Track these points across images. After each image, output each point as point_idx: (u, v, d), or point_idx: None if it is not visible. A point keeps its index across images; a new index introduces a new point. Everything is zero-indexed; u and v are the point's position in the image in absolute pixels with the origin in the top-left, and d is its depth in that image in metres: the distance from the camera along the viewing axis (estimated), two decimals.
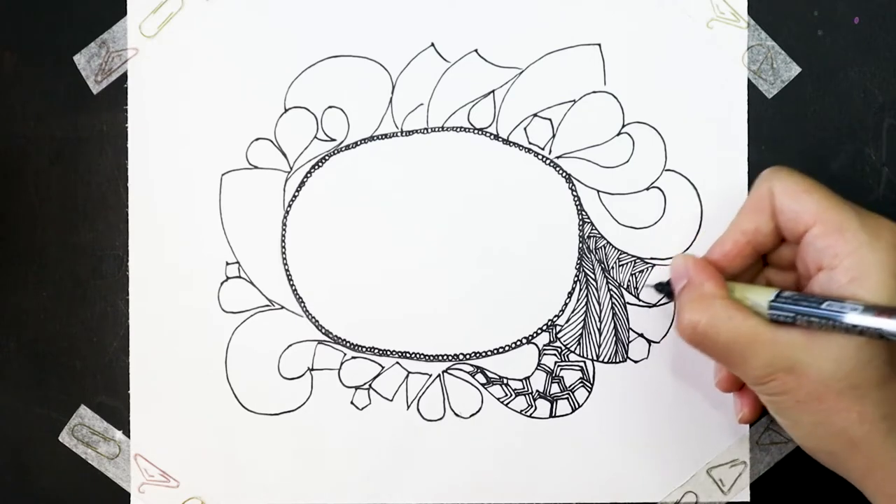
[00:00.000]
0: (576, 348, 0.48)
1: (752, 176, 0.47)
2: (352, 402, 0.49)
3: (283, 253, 0.49)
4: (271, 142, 0.49)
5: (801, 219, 0.42)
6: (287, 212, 0.49)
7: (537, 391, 0.48)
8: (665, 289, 0.46)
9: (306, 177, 0.49)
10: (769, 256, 0.45)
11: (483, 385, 0.48)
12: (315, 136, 0.49)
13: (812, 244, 0.41)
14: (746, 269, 0.45)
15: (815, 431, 0.41)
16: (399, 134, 0.49)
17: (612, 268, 0.48)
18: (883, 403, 0.40)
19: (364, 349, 0.49)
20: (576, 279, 0.48)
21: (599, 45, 0.48)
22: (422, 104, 0.48)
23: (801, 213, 0.42)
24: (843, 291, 0.40)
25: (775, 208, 0.43)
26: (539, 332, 0.48)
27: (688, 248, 0.48)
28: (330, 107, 0.49)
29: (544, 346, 0.48)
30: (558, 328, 0.48)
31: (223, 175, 0.49)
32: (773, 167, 0.44)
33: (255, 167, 0.49)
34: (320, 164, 0.49)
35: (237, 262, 0.49)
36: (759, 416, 0.46)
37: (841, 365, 0.40)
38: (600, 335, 0.48)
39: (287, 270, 0.49)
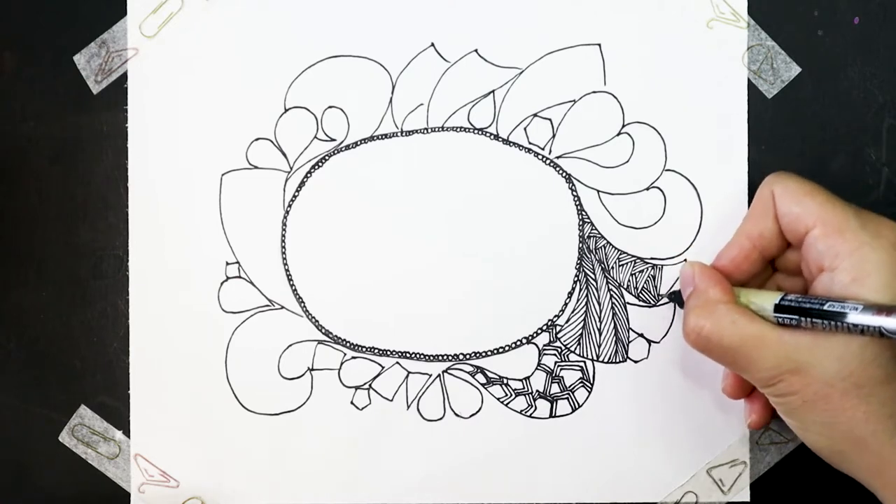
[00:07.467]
0: (576, 348, 0.48)
1: (753, 176, 0.47)
2: (352, 402, 0.48)
3: (283, 253, 0.49)
4: (271, 142, 0.49)
5: (801, 221, 0.42)
6: (287, 212, 0.49)
7: (537, 391, 0.48)
8: (678, 297, 0.47)
9: (306, 177, 0.49)
10: (777, 262, 0.45)
11: (483, 385, 0.48)
12: (315, 136, 0.49)
13: (813, 246, 0.42)
14: (755, 274, 0.45)
15: (824, 432, 0.41)
16: (399, 134, 0.48)
17: (612, 268, 0.48)
18: (889, 402, 0.40)
19: (364, 349, 0.49)
20: (576, 279, 0.48)
21: (599, 45, 0.48)
22: (422, 104, 0.48)
23: (801, 216, 0.42)
24: (845, 292, 0.40)
25: (777, 211, 0.43)
26: (539, 332, 0.48)
27: (688, 248, 0.48)
28: (330, 107, 0.49)
29: (544, 346, 0.48)
30: (558, 328, 0.48)
31: (223, 175, 0.49)
32: (775, 172, 0.44)
33: (255, 167, 0.49)
34: (320, 164, 0.49)
35: (237, 262, 0.49)
36: (768, 422, 0.46)
37: (845, 364, 0.40)
38: (600, 335, 0.48)
39: (287, 270, 0.49)
